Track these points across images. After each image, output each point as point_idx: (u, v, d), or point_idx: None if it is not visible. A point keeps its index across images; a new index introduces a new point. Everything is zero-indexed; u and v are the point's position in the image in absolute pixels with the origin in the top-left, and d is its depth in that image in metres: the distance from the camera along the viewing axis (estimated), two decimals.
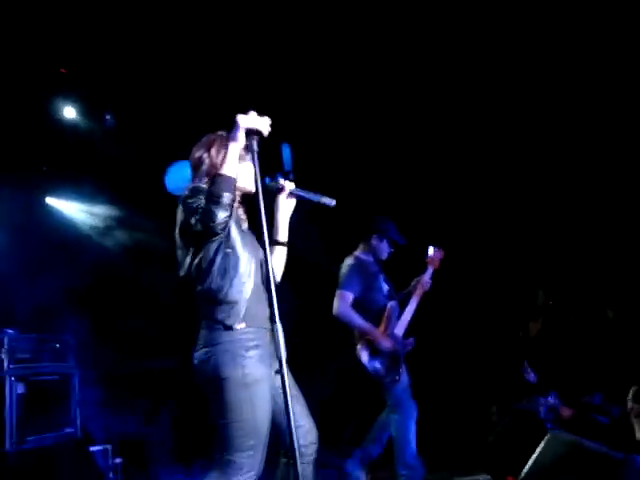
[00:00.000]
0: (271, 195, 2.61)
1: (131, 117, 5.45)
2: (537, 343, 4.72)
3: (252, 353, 2.32)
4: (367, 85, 4.99)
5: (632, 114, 4.70)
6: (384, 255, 4.20)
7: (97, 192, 5.77)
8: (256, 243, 2.50)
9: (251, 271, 2.39)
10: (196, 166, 2.50)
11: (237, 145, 2.32)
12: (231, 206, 2.28)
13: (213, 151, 2.47)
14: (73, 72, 5.06)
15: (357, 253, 4.18)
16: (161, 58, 4.84)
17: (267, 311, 2.34)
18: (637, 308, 4.64)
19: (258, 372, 2.31)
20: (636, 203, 4.93)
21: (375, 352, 3.98)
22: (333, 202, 2.58)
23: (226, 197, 2.25)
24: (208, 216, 2.25)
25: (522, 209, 5.28)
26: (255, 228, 2.46)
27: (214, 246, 2.35)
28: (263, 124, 2.34)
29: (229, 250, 2.34)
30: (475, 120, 5.17)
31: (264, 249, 2.23)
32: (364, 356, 3.96)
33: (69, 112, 5.40)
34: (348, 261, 4.14)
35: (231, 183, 2.28)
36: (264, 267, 2.35)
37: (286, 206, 2.61)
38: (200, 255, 2.36)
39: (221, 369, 2.28)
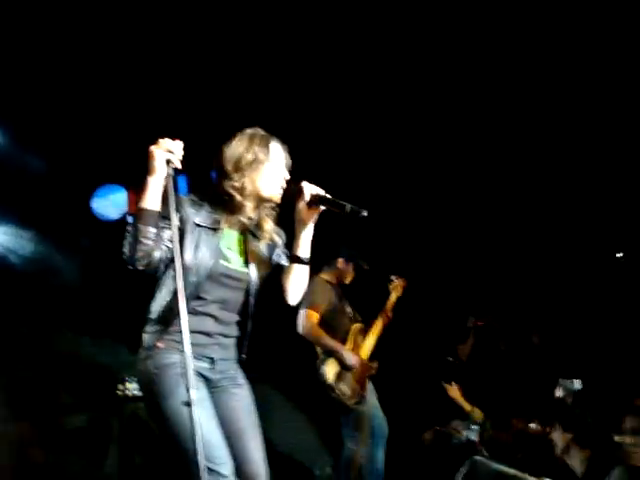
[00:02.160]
0: (292, 200, 2.27)
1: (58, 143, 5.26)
2: (468, 366, 4.79)
3: (167, 370, 2.18)
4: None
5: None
6: (348, 279, 4.32)
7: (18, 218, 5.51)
8: (245, 274, 2.29)
9: (196, 293, 2.20)
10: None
11: (157, 177, 2.12)
12: (155, 240, 2.13)
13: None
14: None
15: (322, 275, 4.25)
16: (75, 68, 4.66)
17: (223, 346, 2.27)
18: (561, 334, 4.80)
19: (178, 384, 2.13)
20: (564, 233, 5.11)
21: (340, 373, 3.96)
22: (365, 212, 2.17)
23: (146, 231, 2.10)
24: (125, 249, 2.13)
25: (452, 233, 5.38)
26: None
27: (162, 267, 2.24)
28: (177, 148, 2.16)
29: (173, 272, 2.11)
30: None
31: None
32: (330, 376, 3.94)
33: None
34: (312, 281, 4.15)
35: (153, 216, 2.12)
36: (249, 305, 2.28)
37: (305, 215, 2.25)
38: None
39: (146, 385, 2.21)
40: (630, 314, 4.75)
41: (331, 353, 4.04)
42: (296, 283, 2.32)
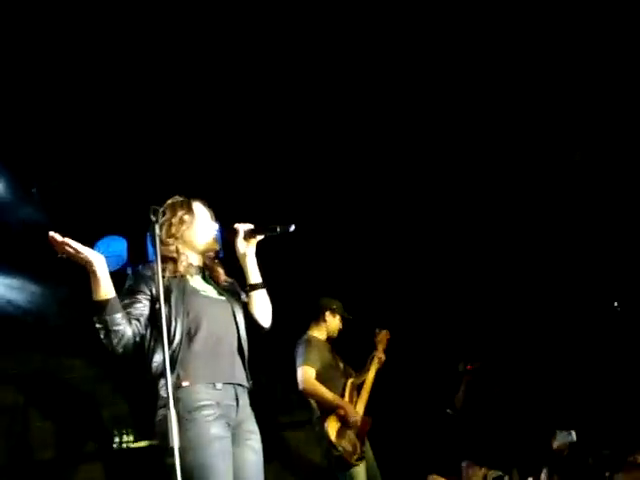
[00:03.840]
0: (231, 244, 2.58)
1: (57, 192, 5.36)
2: (463, 414, 4.75)
3: (198, 414, 2.22)
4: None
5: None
6: (336, 332, 4.36)
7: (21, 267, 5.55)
8: (224, 300, 2.49)
9: (191, 329, 2.33)
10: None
11: (97, 269, 2.21)
12: (124, 323, 2.26)
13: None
14: None
15: (310, 332, 4.31)
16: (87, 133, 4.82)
17: (234, 368, 2.37)
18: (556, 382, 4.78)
19: (208, 434, 2.20)
20: (559, 277, 5.13)
21: (341, 429, 3.96)
22: (292, 227, 2.52)
23: (114, 320, 2.24)
24: (103, 341, 2.26)
25: (438, 278, 5.37)
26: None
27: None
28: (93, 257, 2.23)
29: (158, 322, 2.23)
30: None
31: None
32: (332, 432, 3.92)
33: None
34: (303, 339, 4.26)
35: (114, 304, 2.25)
36: (237, 322, 2.45)
37: (246, 248, 2.56)
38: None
39: (164, 439, 2.12)
40: (625, 365, 4.74)
41: (331, 409, 4.03)
42: (261, 307, 2.56)
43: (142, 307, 2.36)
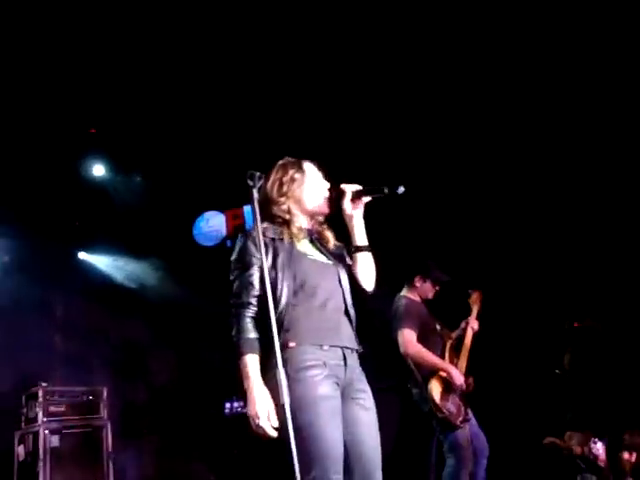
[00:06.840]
0: (338, 203, 2.51)
1: (158, 174, 5.59)
2: (571, 375, 4.57)
3: (306, 374, 2.23)
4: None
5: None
6: (430, 294, 4.30)
7: (126, 247, 5.89)
8: (331, 264, 2.47)
9: (298, 292, 2.34)
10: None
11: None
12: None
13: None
14: (102, 132, 5.27)
15: (405, 293, 4.27)
16: (187, 118, 5.00)
17: (340, 331, 2.36)
18: None
19: (316, 393, 2.21)
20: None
21: (444, 392, 3.97)
22: (401, 188, 2.40)
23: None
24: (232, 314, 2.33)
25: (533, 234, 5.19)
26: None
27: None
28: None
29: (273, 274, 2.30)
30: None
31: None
32: (436, 395, 3.95)
33: (98, 170, 5.59)
34: (399, 302, 4.22)
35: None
36: (342, 287, 2.43)
37: (353, 210, 2.50)
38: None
39: (275, 397, 2.17)
40: None
41: (432, 372, 4.01)
42: (364, 269, 2.51)
43: (255, 280, 2.35)
